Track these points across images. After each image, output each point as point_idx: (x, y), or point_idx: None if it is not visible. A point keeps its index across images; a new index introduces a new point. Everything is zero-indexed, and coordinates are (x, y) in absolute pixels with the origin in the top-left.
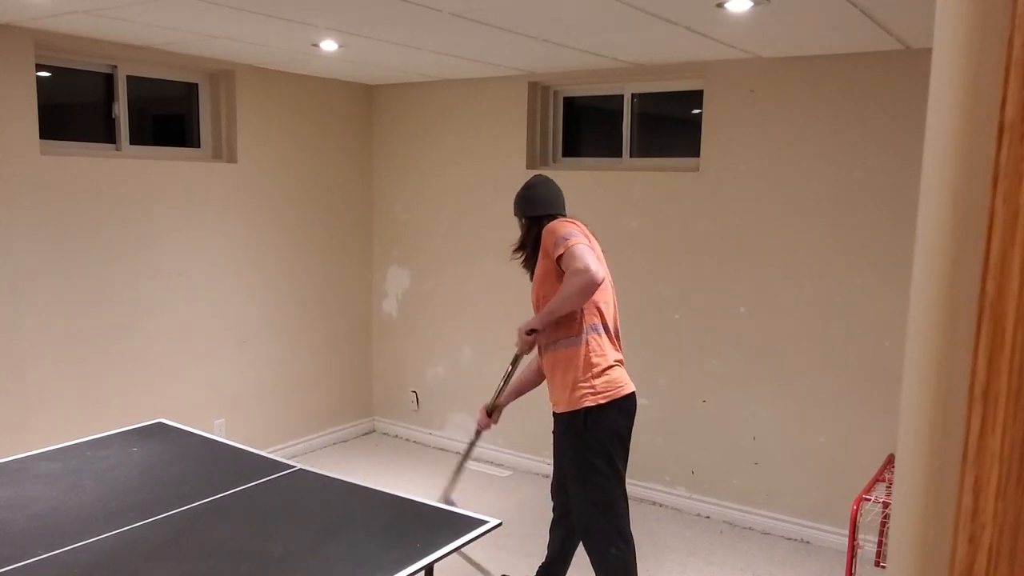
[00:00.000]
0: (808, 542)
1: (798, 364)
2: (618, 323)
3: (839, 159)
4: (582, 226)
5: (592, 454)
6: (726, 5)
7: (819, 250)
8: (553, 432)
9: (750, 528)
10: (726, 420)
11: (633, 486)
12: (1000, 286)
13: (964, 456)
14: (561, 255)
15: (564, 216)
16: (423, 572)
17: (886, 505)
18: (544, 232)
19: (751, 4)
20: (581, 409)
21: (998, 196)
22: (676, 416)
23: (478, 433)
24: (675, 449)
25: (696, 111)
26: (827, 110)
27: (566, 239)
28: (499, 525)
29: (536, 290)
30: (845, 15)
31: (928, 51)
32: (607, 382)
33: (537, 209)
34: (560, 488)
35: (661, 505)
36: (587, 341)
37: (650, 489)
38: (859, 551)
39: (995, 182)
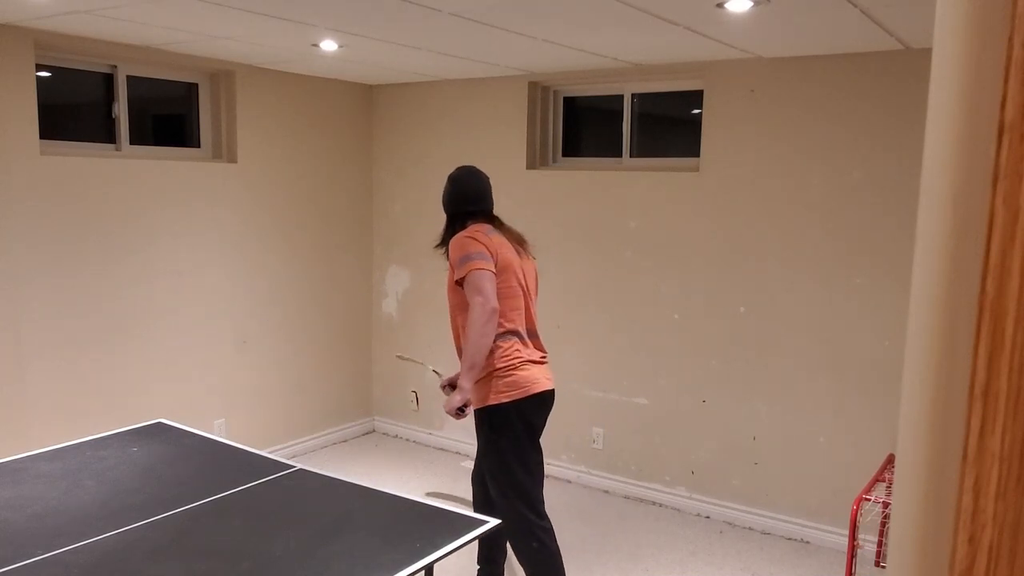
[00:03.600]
0: (808, 542)
1: (798, 364)
2: (535, 324)
3: (839, 159)
4: (495, 236)
5: (500, 450)
6: (726, 5)
7: (819, 250)
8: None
9: (750, 528)
10: (726, 420)
11: (633, 486)
12: (1000, 286)
13: (964, 456)
14: (463, 278)
15: (484, 212)
16: (423, 572)
17: (886, 505)
18: (452, 243)
19: (751, 4)
20: (487, 408)
21: (998, 196)
22: (676, 416)
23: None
24: (675, 449)
25: (696, 111)
26: (827, 110)
27: (467, 261)
28: (499, 524)
29: (447, 294)
30: (845, 15)
31: (928, 51)
32: (509, 383)
33: (453, 206)
34: (478, 478)
35: (661, 505)
36: (493, 349)
37: (650, 489)
38: (859, 551)
39: (995, 182)
